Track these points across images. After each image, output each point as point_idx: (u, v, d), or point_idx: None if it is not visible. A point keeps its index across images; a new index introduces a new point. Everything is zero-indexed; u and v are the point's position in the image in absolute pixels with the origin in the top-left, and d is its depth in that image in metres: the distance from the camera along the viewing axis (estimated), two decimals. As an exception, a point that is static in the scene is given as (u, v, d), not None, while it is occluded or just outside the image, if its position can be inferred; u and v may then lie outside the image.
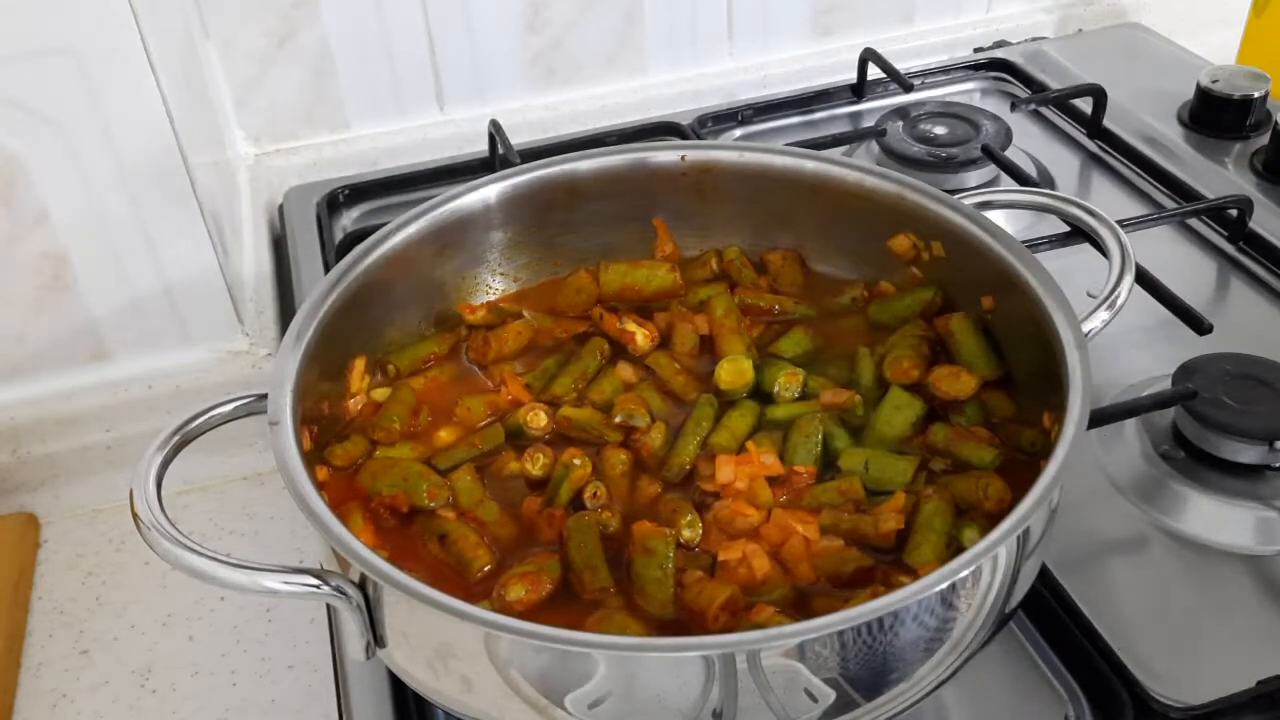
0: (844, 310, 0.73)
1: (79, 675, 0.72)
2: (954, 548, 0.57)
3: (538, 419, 0.66)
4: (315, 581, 0.51)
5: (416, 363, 0.70)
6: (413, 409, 0.67)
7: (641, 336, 0.71)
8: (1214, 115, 1.04)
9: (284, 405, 0.57)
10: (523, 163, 0.74)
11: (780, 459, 0.63)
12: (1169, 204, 0.96)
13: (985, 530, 0.51)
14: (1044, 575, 0.65)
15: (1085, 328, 0.59)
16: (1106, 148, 1.05)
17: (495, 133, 1.00)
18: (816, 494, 0.61)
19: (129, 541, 0.80)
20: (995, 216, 0.67)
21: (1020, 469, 0.61)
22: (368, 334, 0.68)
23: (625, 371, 0.69)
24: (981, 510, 0.59)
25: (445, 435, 0.66)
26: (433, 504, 0.61)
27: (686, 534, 0.59)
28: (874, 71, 1.10)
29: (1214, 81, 1.04)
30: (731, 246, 0.76)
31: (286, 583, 0.51)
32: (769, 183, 0.73)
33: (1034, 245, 0.83)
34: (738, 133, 1.09)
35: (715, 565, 0.58)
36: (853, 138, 1.05)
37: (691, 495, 0.63)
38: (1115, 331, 0.64)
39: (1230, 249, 0.92)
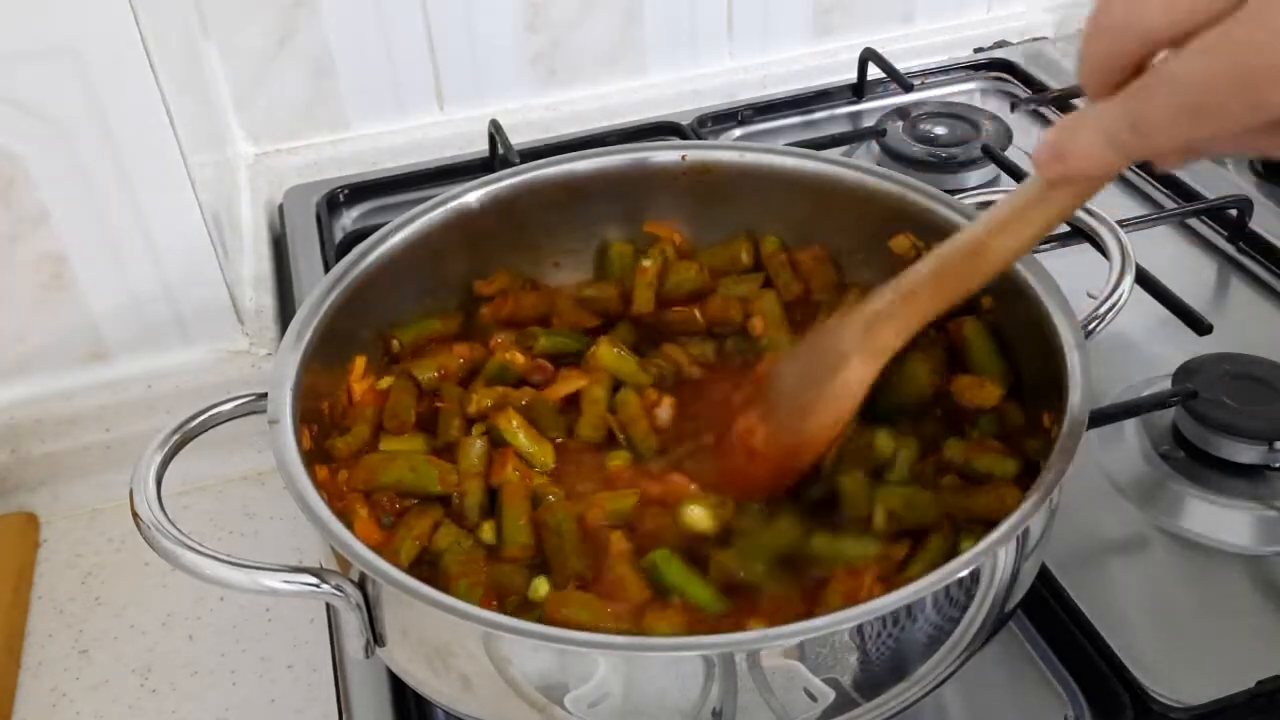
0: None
1: (79, 675, 0.72)
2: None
3: (515, 357, 0.68)
4: (315, 580, 0.51)
5: (421, 339, 0.70)
6: (418, 399, 0.67)
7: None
8: (1214, 115, 1.04)
9: (284, 404, 0.56)
10: (523, 163, 0.74)
11: None
12: (1169, 204, 0.96)
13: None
14: (1044, 575, 0.65)
15: (1085, 328, 0.59)
16: (1106, 148, 1.04)
17: (495, 133, 1.00)
18: None
19: (129, 541, 0.80)
20: (995, 216, 0.67)
21: (1029, 478, 0.60)
22: (368, 333, 0.68)
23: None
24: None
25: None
26: (445, 490, 0.61)
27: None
28: (874, 71, 1.10)
29: (1214, 82, 1.03)
30: (770, 237, 0.74)
31: (286, 582, 0.51)
32: (769, 183, 0.73)
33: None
34: (738, 133, 1.09)
35: None
36: (853, 138, 1.05)
37: None
38: (1115, 331, 0.64)
39: (1230, 249, 0.92)
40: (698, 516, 0.58)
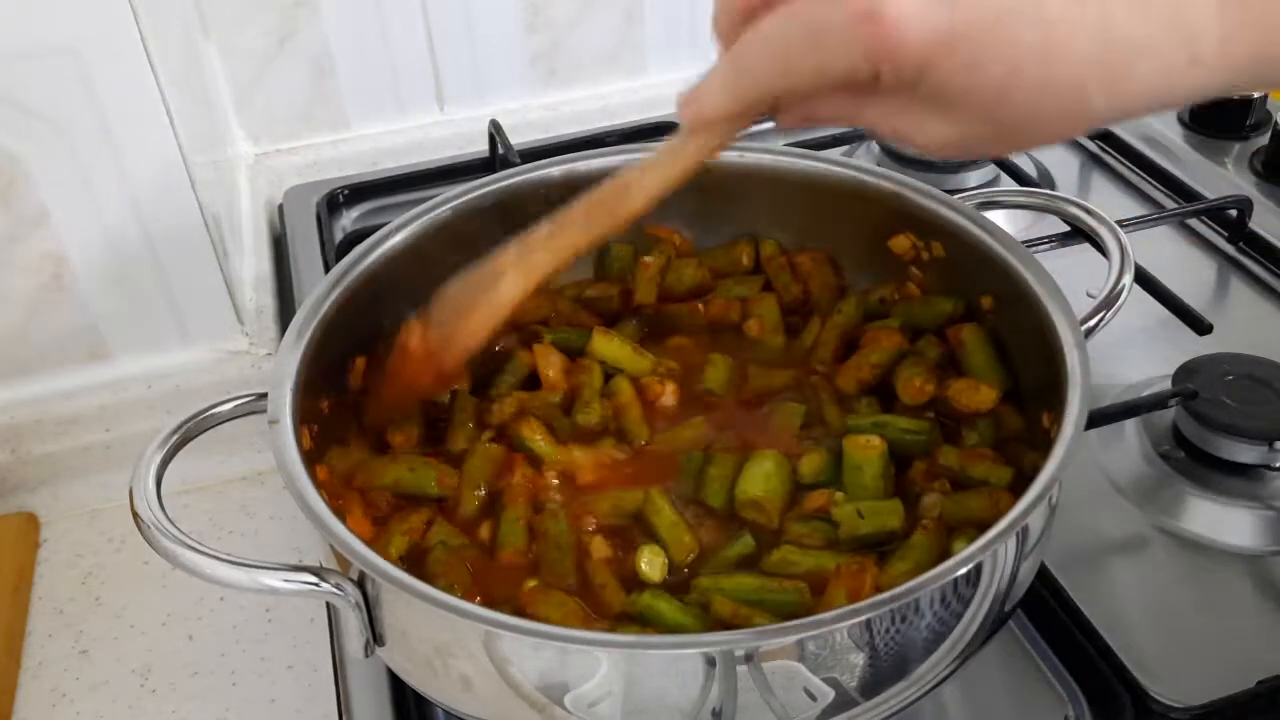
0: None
1: (79, 675, 0.72)
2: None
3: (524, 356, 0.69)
4: (314, 579, 0.51)
5: None
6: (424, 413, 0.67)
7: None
8: (1214, 115, 1.04)
9: (284, 404, 0.56)
10: (523, 163, 0.74)
11: None
12: (1169, 204, 0.96)
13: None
14: (1044, 575, 0.65)
15: (1085, 328, 0.59)
16: (1106, 148, 1.05)
17: (495, 133, 1.00)
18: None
19: (129, 541, 0.80)
20: (995, 216, 0.67)
21: (1026, 485, 0.60)
22: (368, 333, 0.68)
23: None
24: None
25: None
26: (442, 493, 0.61)
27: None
28: (874, 72, 1.10)
29: (1214, 82, 1.03)
30: (769, 241, 0.75)
31: (286, 581, 0.51)
32: (768, 183, 0.73)
33: (1034, 245, 0.83)
34: (737, 133, 1.09)
35: None
36: (853, 138, 1.05)
37: None
38: (1115, 331, 0.64)
39: (1230, 249, 0.92)
40: (647, 567, 0.58)
